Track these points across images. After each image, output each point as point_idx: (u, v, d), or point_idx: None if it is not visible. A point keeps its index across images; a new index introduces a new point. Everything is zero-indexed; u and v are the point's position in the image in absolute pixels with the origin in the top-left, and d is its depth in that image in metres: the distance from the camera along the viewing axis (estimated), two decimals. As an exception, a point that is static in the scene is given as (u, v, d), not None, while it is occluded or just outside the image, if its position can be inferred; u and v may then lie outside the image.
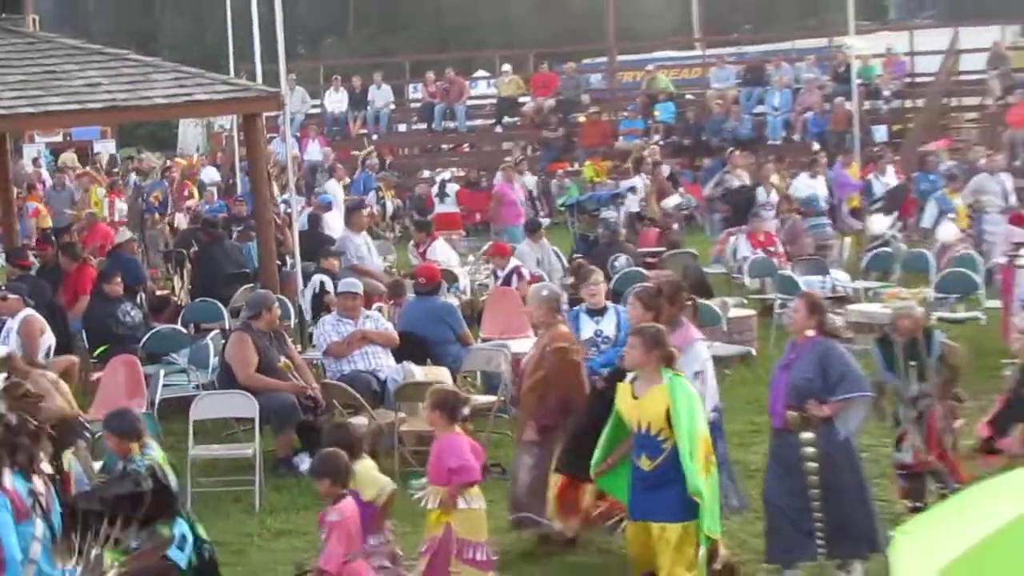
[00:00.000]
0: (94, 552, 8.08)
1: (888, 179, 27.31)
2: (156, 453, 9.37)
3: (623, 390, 10.18)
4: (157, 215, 30.32)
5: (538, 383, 11.85)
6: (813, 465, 10.79)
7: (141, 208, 30.58)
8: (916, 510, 11.61)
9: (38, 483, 8.41)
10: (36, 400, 8.87)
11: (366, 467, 10.08)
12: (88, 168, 37.04)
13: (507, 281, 20.66)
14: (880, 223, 24.44)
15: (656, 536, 9.91)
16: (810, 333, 11.02)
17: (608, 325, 12.64)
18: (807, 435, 10.80)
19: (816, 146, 32.72)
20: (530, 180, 33.49)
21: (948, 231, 22.88)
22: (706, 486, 9.79)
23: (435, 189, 33.75)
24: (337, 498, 9.53)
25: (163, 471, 9.09)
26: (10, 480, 8.15)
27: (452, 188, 34.05)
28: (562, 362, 11.87)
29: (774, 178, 26.87)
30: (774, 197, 25.22)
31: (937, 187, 25.31)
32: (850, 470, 11.00)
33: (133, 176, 34.99)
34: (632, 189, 28.94)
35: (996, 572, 5.08)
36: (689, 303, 12.16)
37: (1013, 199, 23.52)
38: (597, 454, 10.56)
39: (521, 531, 12.10)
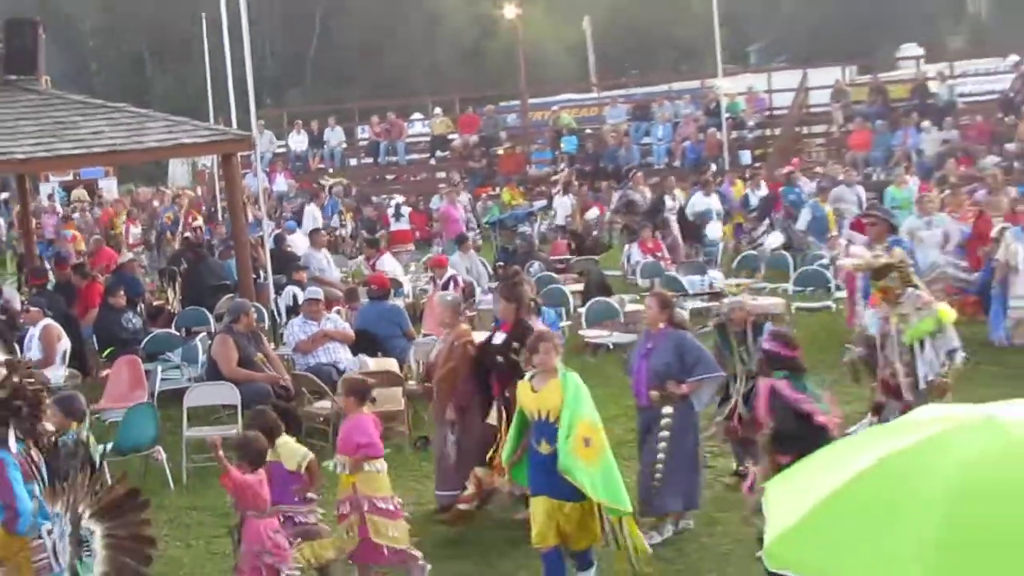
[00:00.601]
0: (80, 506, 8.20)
1: (761, 191, 27.36)
2: (85, 433, 9.33)
3: (523, 387, 9.96)
4: (169, 234, 30.20)
5: (449, 372, 11.73)
6: (666, 434, 10.87)
7: (157, 229, 30.49)
8: (736, 473, 12.17)
9: (34, 451, 8.38)
10: (38, 377, 8.85)
11: (287, 442, 9.96)
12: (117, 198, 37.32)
13: (445, 287, 20.65)
14: (775, 239, 24.38)
15: (558, 511, 9.65)
16: (662, 325, 11.10)
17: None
18: (667, 409, 10.88)
19: (713, 167, 32.65)
20: (464, 198, 33.38)
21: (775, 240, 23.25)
22: (590, 466, 9.45)
23: (391, 210, 33.74)
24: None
25: (88, 445, 9.06)
26: (15, 445, 8.11)
27: (405, 210, 34.06)
28: (462, 359, 11.76)
29: (676, 191, 27.14)
30: (678, 203, 25.54)
31: (801, 198, 25.40)
32: (693, 435, 11.15)
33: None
34: (544, 208, 28.99)
35: (844, 519, 5.08)
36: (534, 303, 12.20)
37: (865, 207, 23.60)
38: (507, 448, 10.36)
39: (444, 515, 11.80)
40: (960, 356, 11.39)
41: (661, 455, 10.86)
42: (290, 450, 9.91)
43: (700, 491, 11.34)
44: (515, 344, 11.07)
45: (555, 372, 9.77)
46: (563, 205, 29.18)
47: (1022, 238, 17.13)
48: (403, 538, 10.11)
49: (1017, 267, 16.89)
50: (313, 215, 30.09)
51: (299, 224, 28.81)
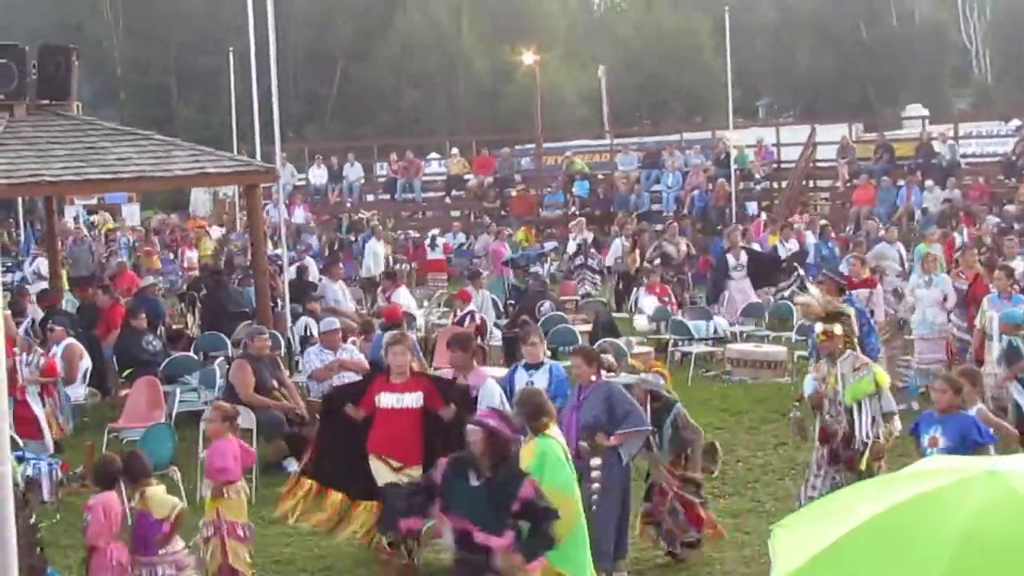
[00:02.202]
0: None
1: (791, 244, 26.88)
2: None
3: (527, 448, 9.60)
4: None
5: None
6: (596, 485, 10.72)
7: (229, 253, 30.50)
8: (670, 554, 11.57)
9: None
10: None
11: (157, 492, 9.93)
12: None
13: (461, 321, 20.73)
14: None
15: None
16: (593, 378, 10.96)
17: (540, 379, 12.10)
18: (596, 460, 10.73)
19: (754, 213, 32.33)
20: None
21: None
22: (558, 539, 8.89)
23: (428, 241, 33.80)
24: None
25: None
26: None
27: (440, 240, 34.24)
28: None
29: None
30: (743, 259, 23.49)
31: (834, 253, 24.85)
32: (623, 487, 10.98)
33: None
34: (555, 249, 29.00)
35: (848, 566, 5.11)
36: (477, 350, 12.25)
37: (906, 265, 23.17)
38: None
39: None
40: (897, 421, 11.18)
41: (593, 510, 10.53)
42: (160, 500, 9.88)
43: (627, 540, 11.12)
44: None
45: (533, 435, 9.52)
46: (615, 247, 29.01)
47: (997, 305, 16.37)
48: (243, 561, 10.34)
49: (991, 335, 15.93)
50: (374, 251, 30.04)
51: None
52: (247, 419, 14.45)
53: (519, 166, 42.45)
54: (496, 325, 22.34)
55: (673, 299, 23.24)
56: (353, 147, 44.68)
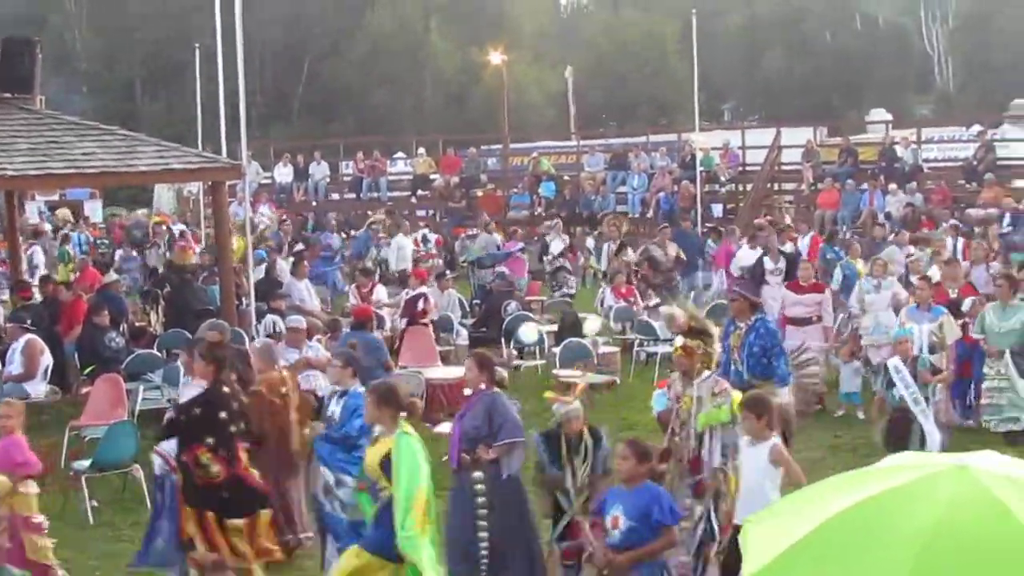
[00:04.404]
0: None
1: (787, 248, 26.18)
2: None
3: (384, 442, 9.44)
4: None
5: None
6: (482, 500, 10.20)
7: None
8: None
9: None
10: None
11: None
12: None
13: (413, 301, 20.67)
14: None
15: (361, 560, 9.30)
16: (482, 386, 10.46)
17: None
18: (477, 474, 10.23)
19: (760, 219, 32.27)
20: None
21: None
22: (421, 545, 8.94)
23: (420, 237, 33.72)
24: None
25: None
26: None
27: (432, 236, 34.13)
28: (256, 401, 11.53)
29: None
30: (782, 264, 21.91)
31: (839, 256, 24.27)
32: (516, 506, 10.44)
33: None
34: (522, 250, 28.94)
35: (818, 561, 5.10)
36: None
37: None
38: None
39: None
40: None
41: (483, 532, 10.20)
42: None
43: (540, 562, 10.49)
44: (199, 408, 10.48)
45: (392, 430, 9.27)
46: (603, 250, 29.07)
47: (916, 316, 16.16)
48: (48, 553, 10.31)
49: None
50: (399, 244, 29.89)
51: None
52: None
53: (485, 166, 42.41)
54: (462, 324, 22.33)
55: (639, 300, 23.23)
56: (319, 146, 44.58)
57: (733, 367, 13.04)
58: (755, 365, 13.06)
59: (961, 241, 23.30)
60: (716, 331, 11.32)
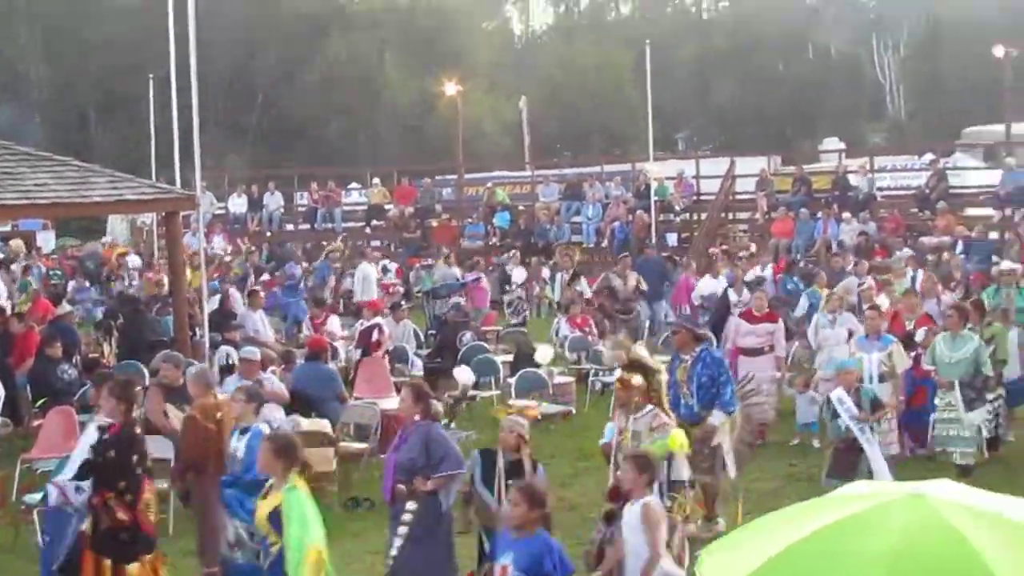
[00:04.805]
0: None
1: (750, 276, 25.93)
2: None
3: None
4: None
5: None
6: (404, 530, 10.12)
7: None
8: None
9: None
10: None
11: None
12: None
13: (368, 332, 20.67)
14: None
15: None
16: (417, 417, 10.41)
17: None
18: (411, 505, 10.17)
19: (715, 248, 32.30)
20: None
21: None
22: None
23: (380, 267, 33.60)
24: None
25: None
26: None
27: (392, 265, 34.05)
28: (190, 427, 11.60)
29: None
30: (746, 296, 21.26)
31: (799, 286, 24.13)
32: (444, 537, 10.37)
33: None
34: (477, 279, 28.90)
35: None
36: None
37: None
38: None
39: None
40: (689, 491, 10.80)
41: (394, 551, 10.21)
42: None
43: None
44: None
45: (282, 483, 8.87)
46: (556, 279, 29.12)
47: (866, 346, 16.00)
48: None
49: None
50: (364, 274, 29.74)
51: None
52: (165, 448, 14.22)
53: (440, 196, 42.44)
54: (417, 355, 22.29)
55: (595, 330, 23.24)
56: (273, 176, 44.55)
57: (683, 401, 12.93)
58: (705, 396, 12.97)
59: (921, 272, 23.33)
60: (660, 365, 11.30)
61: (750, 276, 25.63)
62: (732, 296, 22.17)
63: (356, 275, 29.78)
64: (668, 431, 10.63)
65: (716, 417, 12.76)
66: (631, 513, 9.15)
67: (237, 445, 11.00)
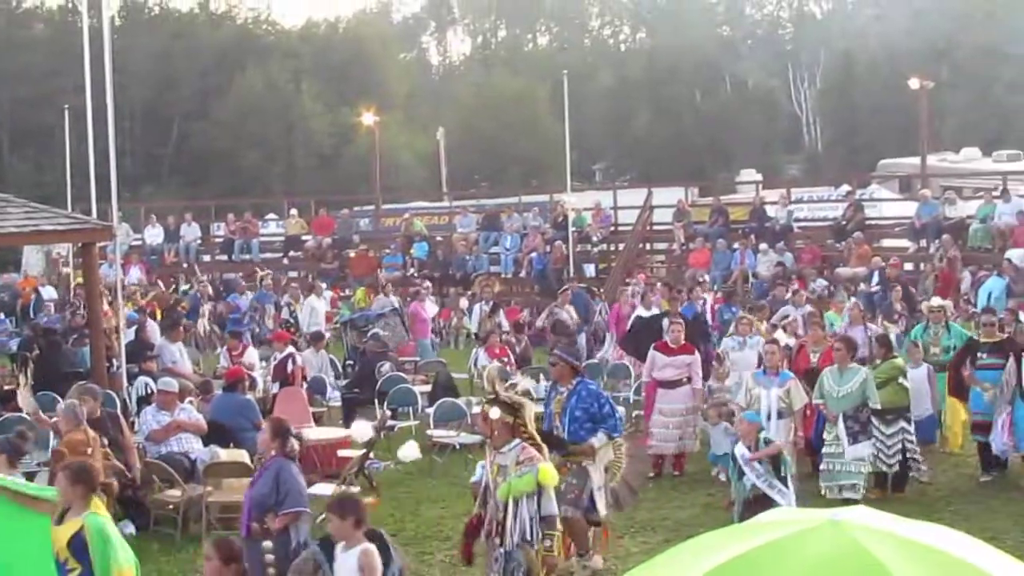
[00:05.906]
0: None
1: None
2: None
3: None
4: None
5: None
6: (272, 571, 9.86)
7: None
8: None
9: None
10: None
11: None
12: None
13: (282, 364, 20.68)
14: None
15: None
16: (273, 453, 10.43)
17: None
18: (267, 543, 10.00)
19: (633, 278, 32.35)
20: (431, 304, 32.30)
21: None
22: None
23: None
24: None
25: None
26: None
27: (327, 294, 33.77)
28: (57, 463, 11.43)
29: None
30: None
31: (736, 315, 23.86)
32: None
33: None
34: (395, 310, 28.79)
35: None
36: None
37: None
38: None
39: None
40: (558, 525, 10.64)
41: None
42: None
43: None
44: None
45: (81, 510, 8.75)
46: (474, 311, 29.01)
47: (764, 381, 15.78)
48: None
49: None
50: (312, 306, 29.51)
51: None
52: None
53: (358, 227, 42.39)
54: (335, 385, 22.27)
55: (513, 360, 23.27)
56: (190, 207, 44.27)
57: (555, 433, 12.59)
58: (577, 431, 12.62)
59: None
60: (525, 400, 10.96)
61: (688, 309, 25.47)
62: (665, 324, 22.01)
63: (304, 307, 29.68)
64: (535, 465, 10.40)
65: (598, 439, 12.50)
66: (346, 564, 8.90)
67: None
